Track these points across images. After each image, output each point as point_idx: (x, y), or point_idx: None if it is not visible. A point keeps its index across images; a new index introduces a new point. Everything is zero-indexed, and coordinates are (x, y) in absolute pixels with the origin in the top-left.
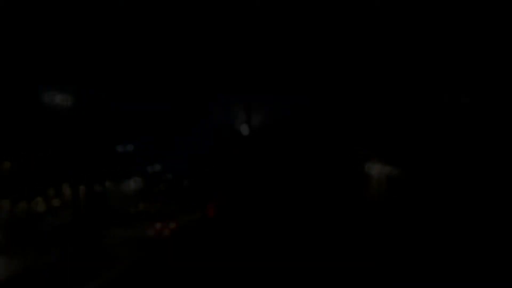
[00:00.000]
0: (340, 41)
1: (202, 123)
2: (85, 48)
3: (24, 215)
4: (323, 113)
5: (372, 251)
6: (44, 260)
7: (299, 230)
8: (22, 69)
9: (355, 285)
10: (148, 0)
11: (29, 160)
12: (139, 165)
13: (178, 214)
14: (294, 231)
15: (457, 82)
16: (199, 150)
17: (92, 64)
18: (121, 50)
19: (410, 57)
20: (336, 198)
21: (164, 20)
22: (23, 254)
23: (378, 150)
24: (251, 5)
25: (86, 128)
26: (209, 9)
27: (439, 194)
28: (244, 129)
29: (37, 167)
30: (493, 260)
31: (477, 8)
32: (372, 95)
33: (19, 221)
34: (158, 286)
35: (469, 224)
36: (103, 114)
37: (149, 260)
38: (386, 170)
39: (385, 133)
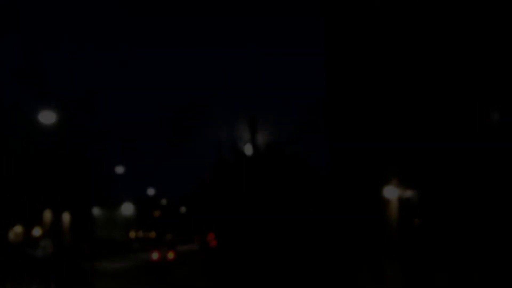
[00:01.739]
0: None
1: (200, 141)
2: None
3: None
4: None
5: None
6: None
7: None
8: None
9: None
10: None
11: (5, 181)
12: (132, 189)
13: (174, 243)
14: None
15: (487, 98)
16: (197, 172)
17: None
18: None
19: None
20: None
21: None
22: None
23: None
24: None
25: (71, 147)
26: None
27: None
28: (248, 149)
29: (15, 190)
30: None
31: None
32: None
33: None
34: None
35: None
36: (91, 131)
37: None
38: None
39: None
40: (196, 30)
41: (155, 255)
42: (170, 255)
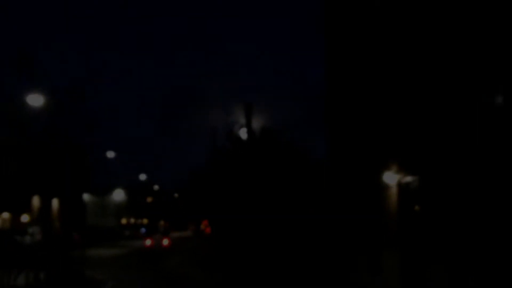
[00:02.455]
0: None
1: (194, 125)
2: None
3: None
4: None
5: None
6: None
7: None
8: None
9: None
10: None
11: None
12: (124, 175)
13: (169, 230)
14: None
15: (491, 81)
16: (191, 157)
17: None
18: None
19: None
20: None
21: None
22: None
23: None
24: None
25: (61, 133)
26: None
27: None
28: (243, 133)
29: (3, 176)
30: None
31: None
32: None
33: None
34: None
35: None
36: (82, 117)
37: None
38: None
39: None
40: (195, 28)
41: (148, 242)
42: (165, 242)
